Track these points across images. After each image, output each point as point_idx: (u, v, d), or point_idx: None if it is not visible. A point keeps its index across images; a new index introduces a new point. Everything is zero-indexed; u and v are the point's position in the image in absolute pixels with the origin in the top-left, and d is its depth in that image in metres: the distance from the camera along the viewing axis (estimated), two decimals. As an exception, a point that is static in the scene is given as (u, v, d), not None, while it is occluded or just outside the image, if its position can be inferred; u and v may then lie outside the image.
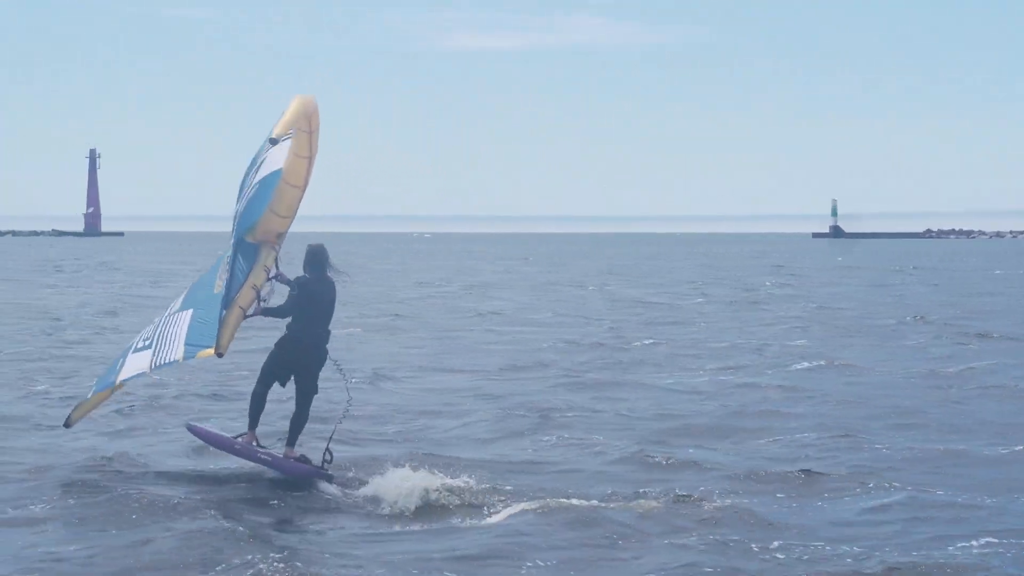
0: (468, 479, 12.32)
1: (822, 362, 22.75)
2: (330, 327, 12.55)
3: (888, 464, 13.68)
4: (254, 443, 12.64)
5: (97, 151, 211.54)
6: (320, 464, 12.47)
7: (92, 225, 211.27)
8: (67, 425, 13.36)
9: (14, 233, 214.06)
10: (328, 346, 12.58)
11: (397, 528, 11.20)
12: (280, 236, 12.43)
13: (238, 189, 12.36)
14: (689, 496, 11.92)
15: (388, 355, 23.95)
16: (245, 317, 12.21)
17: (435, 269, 75.20)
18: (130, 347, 12.98)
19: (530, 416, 16.55)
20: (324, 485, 12.34)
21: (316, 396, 12.71)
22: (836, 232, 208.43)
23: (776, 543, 10.47)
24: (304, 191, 12.30)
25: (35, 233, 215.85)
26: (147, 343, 12.63)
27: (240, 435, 12.76)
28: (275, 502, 11.90)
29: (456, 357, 23.89)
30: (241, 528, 10.76)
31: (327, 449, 12.50)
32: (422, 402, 18.06)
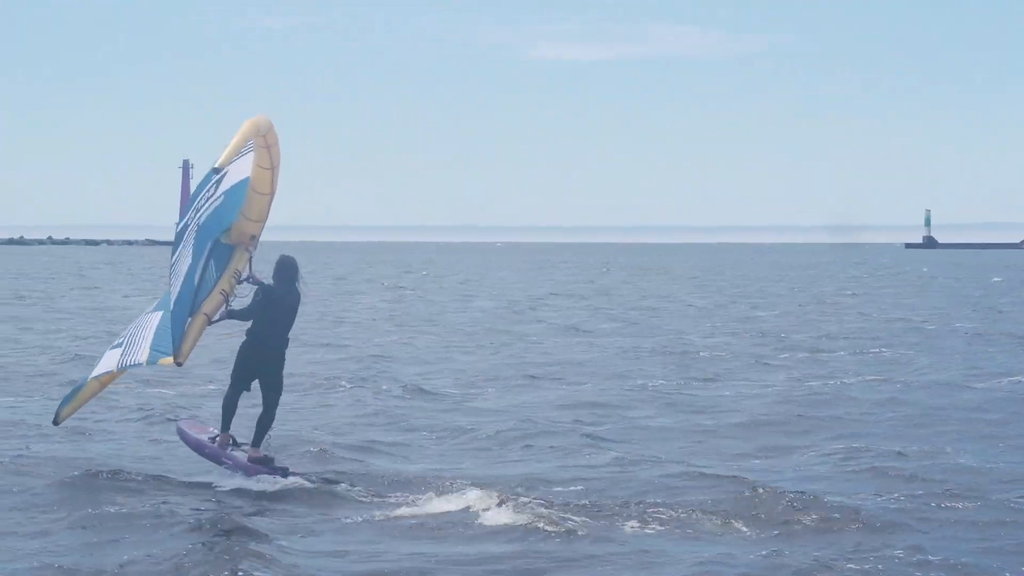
0: None
1: None
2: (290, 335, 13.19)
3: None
4: (230, 442, 13.25)
5: (190, 162, 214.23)
6: (283, 468, 12.99)
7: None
8: (56, 423, 13.73)
9: (108, 242, 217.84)
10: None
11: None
12: (253, 239, 12.97)
13: (187, 208, 12.54)
14: None
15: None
16: (210, 323, 12.66)
17: (569, 282, 71.27)
18: (110, 344, 13.41)
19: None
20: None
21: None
22: (929, 243, 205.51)
23: None
24: (272, 197, 12.95)
25: (128, 242, 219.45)
26: (120, 342, 13.10)
27: (215, 436, 13.37)
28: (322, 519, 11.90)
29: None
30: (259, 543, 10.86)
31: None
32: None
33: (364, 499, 12.54)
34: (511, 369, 23.61)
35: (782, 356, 26.26)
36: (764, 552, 10.63)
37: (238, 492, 12.65)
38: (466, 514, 11.84)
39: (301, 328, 19.64)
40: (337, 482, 13.04)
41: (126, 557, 10.32)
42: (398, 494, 12.64)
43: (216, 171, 12.28)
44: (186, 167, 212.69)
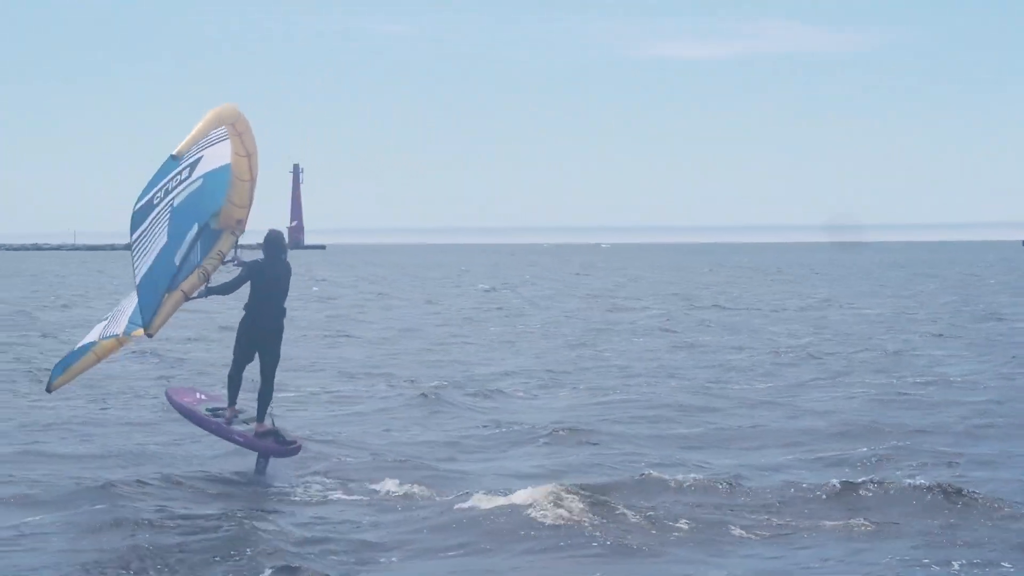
0: None
1: None
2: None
3: None
4: (236, 416, 13.81)
5: (300, 166, 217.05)
6: (292, 441, 13.64)
7: (296, 239, 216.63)
8: (48, 390, 13.96)
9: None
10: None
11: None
12: (240, 223, 13.52)
13: (150, 187, 12.40)
14: None
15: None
16: (187, 299, 13.04)
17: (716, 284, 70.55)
18: (99, 318, 14.17)
19: None
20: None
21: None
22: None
23: None
24: (253, 184, 13.42)
25: (241, 246, 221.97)
26: (107, 316, 13.78)
27: (222, 410, 13.93)
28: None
29: None
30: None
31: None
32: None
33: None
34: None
35: None
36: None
37: (272, 482, 13.52)
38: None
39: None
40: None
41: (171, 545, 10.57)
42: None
43: (174, 158, 12.35)
44: (296, 171, 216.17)
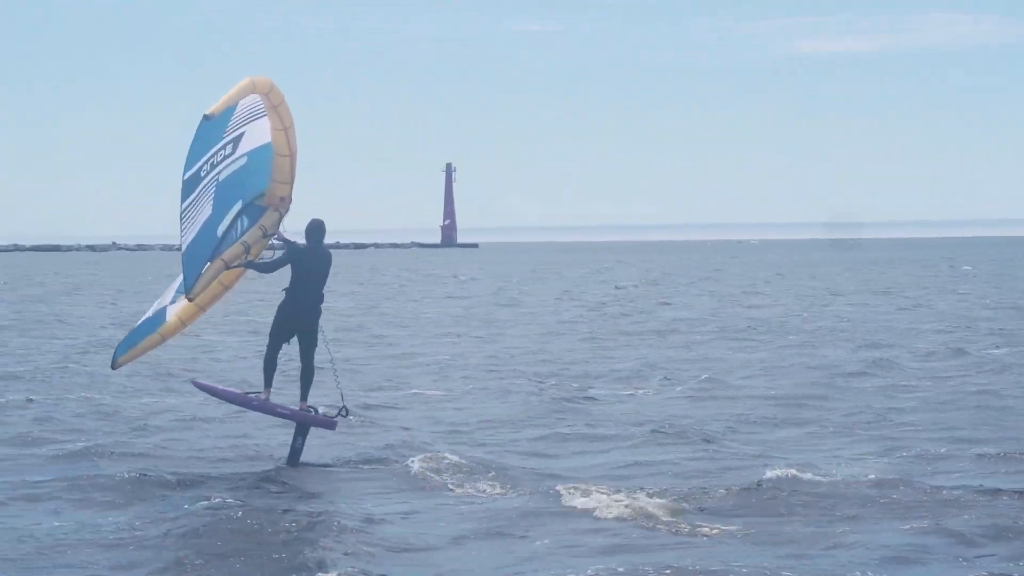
0: None
1: None
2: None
3: None
4: (269, 400, 14.33)
5: (453, 165, 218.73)
6: (331, 418, 14.30)
7: (448, 237, 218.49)
8: (113, 367, 14.68)
9: (376, 246, 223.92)
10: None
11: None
12: (283, 200, 13.95)
13: (196, 155, 13.28)
14: None
15: None
16: (227, 268, 13.72)
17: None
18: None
19: None
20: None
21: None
22: None
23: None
24: (294, 157, 13.86)
25: (395, 245, 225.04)
26: (161, 295, 14.73)
27: (257, 393, 14.53)
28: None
29: None
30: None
31: (343, 406, 14.34)
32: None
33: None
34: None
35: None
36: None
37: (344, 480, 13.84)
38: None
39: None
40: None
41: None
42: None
43: (207, 118, 12.97)
44: (449, 171, 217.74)
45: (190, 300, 13.63)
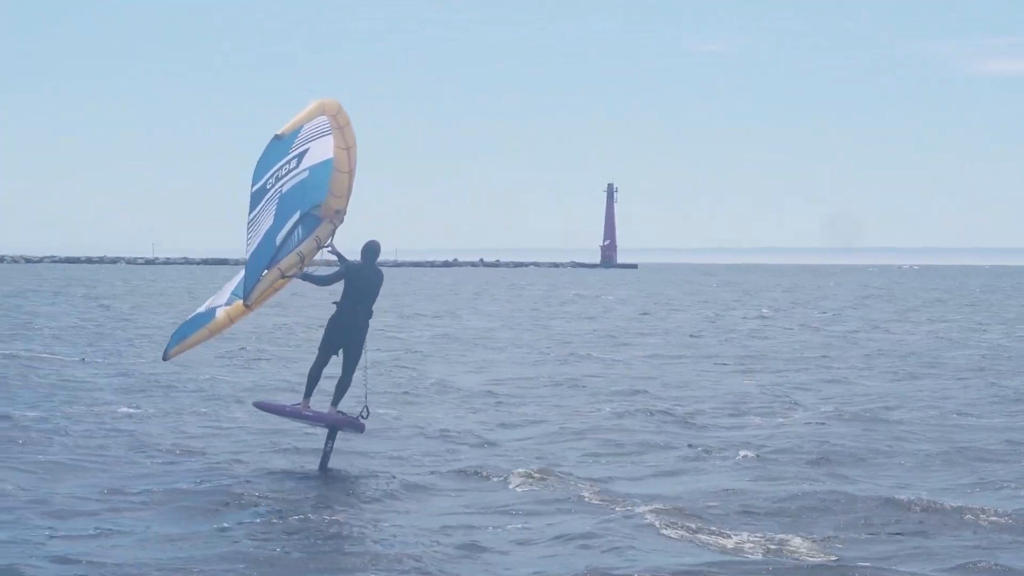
0: None
1: None
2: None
3: None
4: (307, 409, 15.03)
5: (615, 185, 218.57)
6: (357, 420, 14.91)
7: (608, 257, 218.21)
8: (165, 359, 15.43)
9: (536, 264, 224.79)
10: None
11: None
12: (338, 212, 14.69)
13: (264, 169, 13.98)
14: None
15: None
16: (283, 278, 14.34)
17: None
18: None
19: None
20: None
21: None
22: None
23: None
24: (352, 175, 14.63)
25: (555, 265, 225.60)
26: (219, 290, 15.32)
27: (296, 404, 15.24)
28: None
29: None
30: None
31: (364, 406, 15.03)
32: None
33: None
34: None
35: None
36: None
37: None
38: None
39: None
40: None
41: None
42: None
43: (278, 138, 13.72)
44: (610, 191, 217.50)
45: (247, 307, 14.25)
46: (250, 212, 14.02)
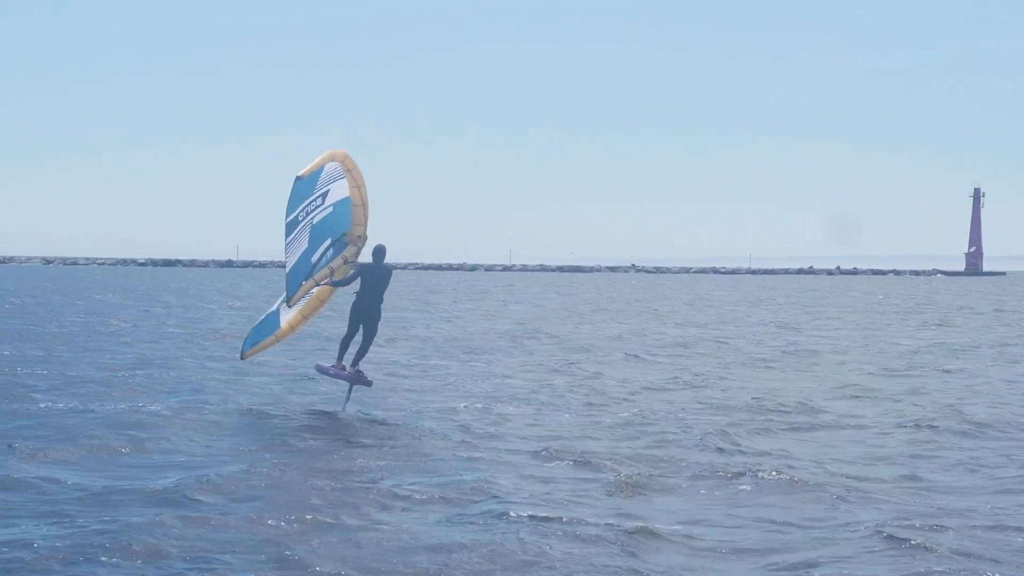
0: None
1: None
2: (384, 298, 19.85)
3: None
4: (343, 369, 19.92)
5: (981, 190, 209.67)
6: (368, 380, 20.11)
7: (973, 264, 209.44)
8: (242, 358, 20.27)
9: (896, 272, 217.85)
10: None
11: None
12: (360, 237, 19.35)
13: (295, 204, 18.29)
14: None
15: None
16: (316, 285, 19.10)
17: None
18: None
19: None
20: None
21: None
22: None
23: None
24: (366, 207, 19.26)
25: (916, 272, 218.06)
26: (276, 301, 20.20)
27: (333, 364, 20.15)
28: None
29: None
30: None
31: (357, 369, 19.97)
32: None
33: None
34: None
35: None
36: None
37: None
38: None
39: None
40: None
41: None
42: None
43: (299, 178, 18.06)
44: (977, 196, 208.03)
45: (289, 306, 19.02)
46: (286, 236, 18.18)
